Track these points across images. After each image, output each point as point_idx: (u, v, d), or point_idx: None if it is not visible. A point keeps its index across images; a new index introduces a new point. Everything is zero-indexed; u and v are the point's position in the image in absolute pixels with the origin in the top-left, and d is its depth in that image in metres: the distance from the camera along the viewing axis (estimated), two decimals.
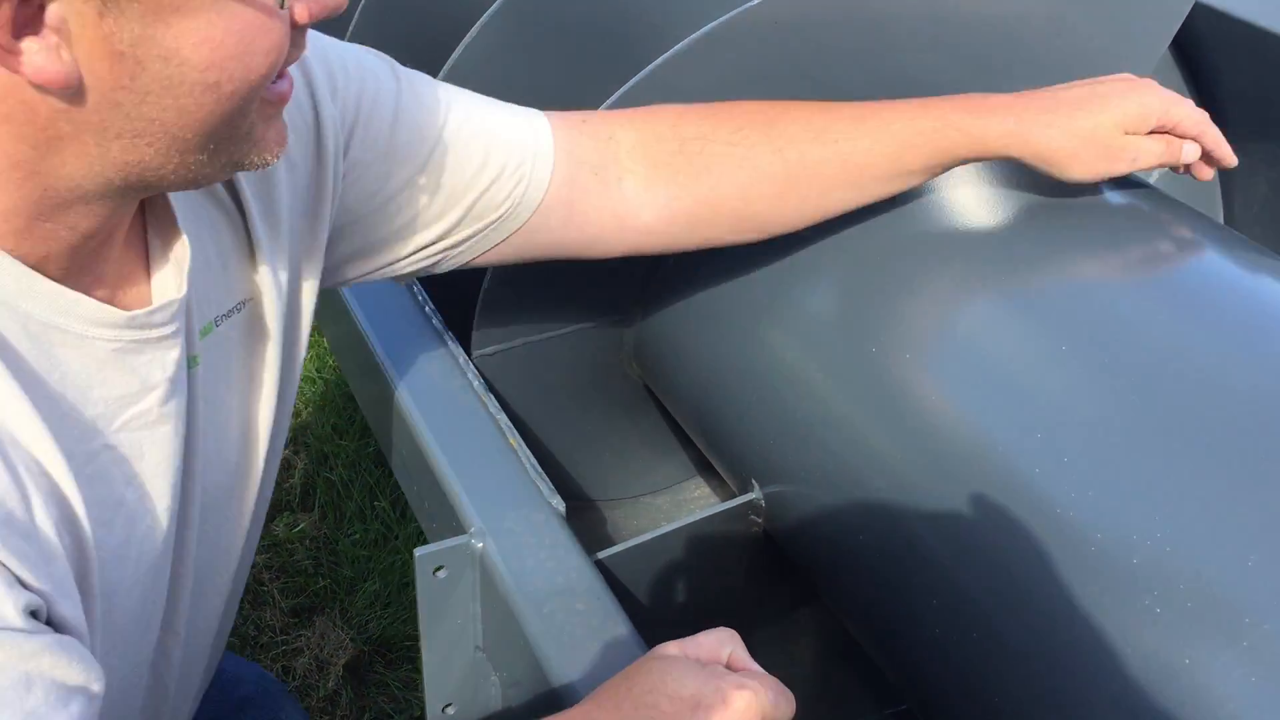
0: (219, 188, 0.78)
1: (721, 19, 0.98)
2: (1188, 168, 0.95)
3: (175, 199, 0.72)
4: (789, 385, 1.00)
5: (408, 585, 1.88)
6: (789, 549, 1.05)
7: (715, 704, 0.64)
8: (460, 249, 0.92)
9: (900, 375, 0.92)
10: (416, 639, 1.10)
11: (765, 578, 1.13)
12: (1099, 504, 0.77)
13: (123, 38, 0.55)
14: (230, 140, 0.63)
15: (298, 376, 0.88)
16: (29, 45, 0.54)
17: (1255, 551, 0.71)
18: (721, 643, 0.70)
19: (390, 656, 1.81)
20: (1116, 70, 0.96)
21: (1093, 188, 0.99)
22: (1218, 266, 0.96)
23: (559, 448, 1.28)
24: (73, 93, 0.56)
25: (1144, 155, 0.92)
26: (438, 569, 0.89)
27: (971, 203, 0.99)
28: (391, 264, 0.91)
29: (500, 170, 0.88)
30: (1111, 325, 0.87)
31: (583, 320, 1.19)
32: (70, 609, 0.61)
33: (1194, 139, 0.93)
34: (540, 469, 0.95)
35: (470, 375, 1.05)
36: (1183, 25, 1.19)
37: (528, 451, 0.97)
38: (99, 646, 0.68)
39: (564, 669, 0.81)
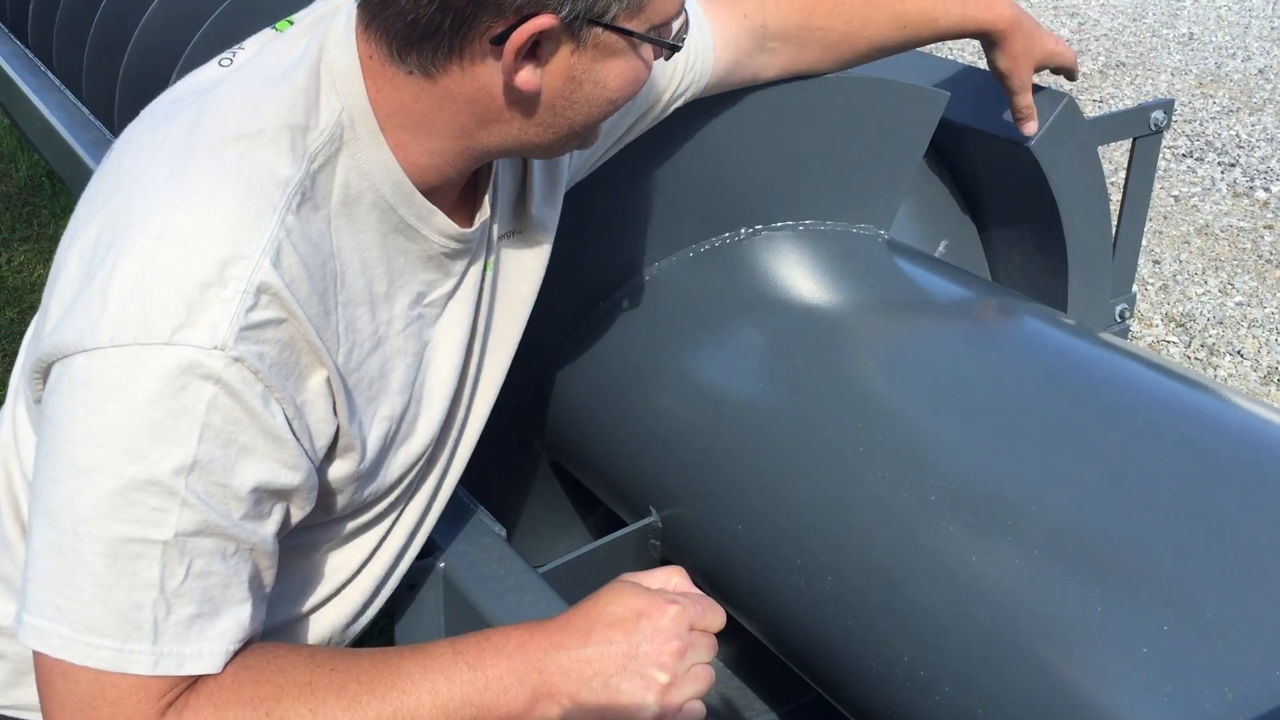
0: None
1: None
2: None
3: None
4: (678, 433, 1.25)
5: None
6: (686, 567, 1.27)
7: (653, 613, 0.85)
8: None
9: (765, 409, 1.18)
10: None
11: None
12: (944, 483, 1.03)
13: (578, 68, 0.83)
14: (591, 132, 0.91)
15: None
16: (524, 64, 0.81)
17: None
18: (669, 574, 0.90)
19: None
20: (881, 169, 1.25)
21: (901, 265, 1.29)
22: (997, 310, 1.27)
23: None
24: (530, 96, 0.83)
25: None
26: (409, 586, 1.08)
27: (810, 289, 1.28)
28: (599, 159, 1.19)
29: (681, 79, 1.18)
30: (919, 357, 1.15)
31: None
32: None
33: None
34: (478, 502, 1.16)
35: None
36: (947, 139, 1.53)
37: (463, 490, 1.17)
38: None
39: None
